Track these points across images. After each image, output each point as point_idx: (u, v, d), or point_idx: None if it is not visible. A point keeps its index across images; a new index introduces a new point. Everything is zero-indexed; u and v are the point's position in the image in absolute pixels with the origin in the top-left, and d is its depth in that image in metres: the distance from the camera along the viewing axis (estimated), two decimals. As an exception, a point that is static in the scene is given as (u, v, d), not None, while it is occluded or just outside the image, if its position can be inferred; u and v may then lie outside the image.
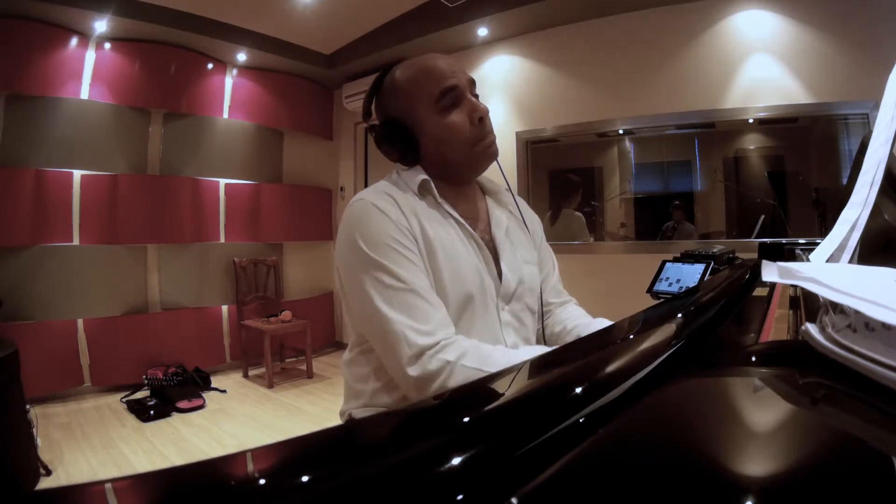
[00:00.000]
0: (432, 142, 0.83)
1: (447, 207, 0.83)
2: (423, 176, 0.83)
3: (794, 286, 0.65)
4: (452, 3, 3.17)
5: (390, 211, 0.76)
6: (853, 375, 0.28)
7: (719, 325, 0.56)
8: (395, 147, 0.85)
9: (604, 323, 0.92)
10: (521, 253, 0.91)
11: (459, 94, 0.82)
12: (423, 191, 0.83)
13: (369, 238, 0.74)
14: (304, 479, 0.21)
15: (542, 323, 0.96)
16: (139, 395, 3.09)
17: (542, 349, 0.82)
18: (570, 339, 0.92)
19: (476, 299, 0.79)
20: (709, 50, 2.75)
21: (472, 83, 0.85)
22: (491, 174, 0.94)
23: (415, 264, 0.74)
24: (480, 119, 0.82)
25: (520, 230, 0.95)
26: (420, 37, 3.43)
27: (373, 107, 0.90)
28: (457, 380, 0.66)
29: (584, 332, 0.91)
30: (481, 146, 0.83)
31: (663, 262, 1.03)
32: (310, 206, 4.36)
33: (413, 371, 0.68)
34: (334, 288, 4.59)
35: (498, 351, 0.71)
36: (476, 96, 0.85)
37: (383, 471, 0.22)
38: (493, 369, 0.64)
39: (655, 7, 2.87)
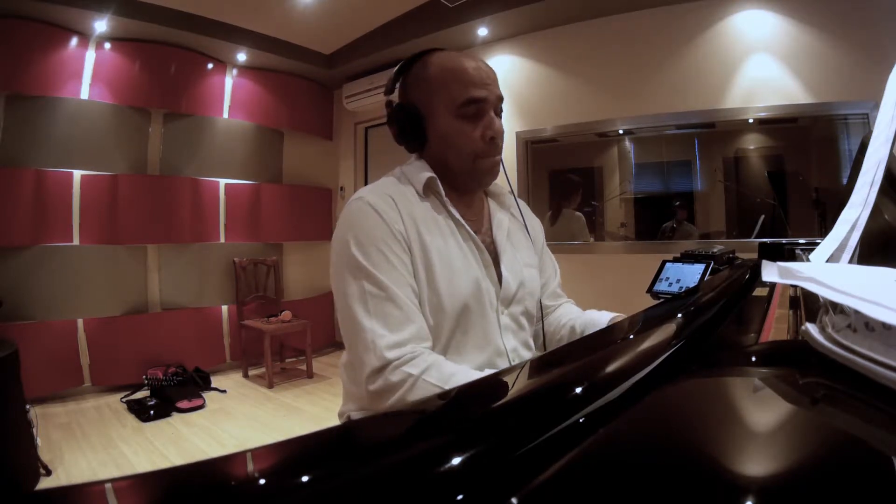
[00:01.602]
0: (439, 140, 0.82)
1: (450, 208, 0.83)
2: (430, 173, 0.82)
3: (794, 286, 0.65)
4: (452, 3, 3.17)
5: (387, 214, 0.76)
6: (853, 375, 0.28)
7: (719, 325, 0.56)
8: (402, 131, 0.84)
9: (594, 314, 0.93)
10: (522, 256, 0.90)
11: (483, 109, 0.81)
12: (427, 190, 0.83)
13: (360, 241, 0.74)
14: (304, 479, 0.21)
15: (543, 325, 0.96)
16: (139, 395, 3.09)
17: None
18: (564, 332, 0.94)
19: (472, 307, 0.79)
20: (709, 50, 2.75)
21: (500, 100, 0.83)
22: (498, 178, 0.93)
23: (401, 273, 0.74)
24: (492, 138, 0.81)
25: (521, 233, 0.95)
26: (420, 37, 3.43)
27: (397, 85, 0.88)
28: (417, 394, 0.66)
29: (576, 323, 0.93)
30: (483, 163, 0.83)
31: (663, 262, 1.03)
32: (310, 206, 4.36)
33: (372, 385, 0.69)
34: (334, 288, 4.58)
35: (461, 370, 0.70)
36: (500, 112, 0.84)
37: (383, 471, 0.22)
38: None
39: (655, 7, 2.86)
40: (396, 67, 0.87)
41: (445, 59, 0.82)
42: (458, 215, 0.83)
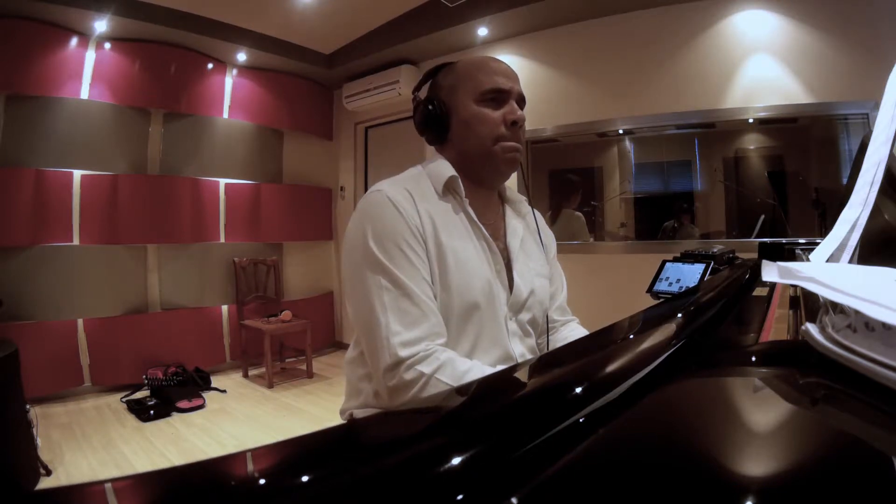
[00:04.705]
0: (462, 126, 0.83)
1: (469, 210, 0.83)
2: (452, 172, 0.82)
3: (794, 286, 0.65)
4: (452, 3, 3.17)
5: (406, 209, 0.76)
6: (853, 375, 0.28)
7: (719, 325, 0.56)
8: (426, 120, 0.86)
9: None
10: (533, 265, 0.91)
11: (504, 98, 0.83)
12: (447, 189, 0.83)
13: (378, 235, 0.74)
14: (304, 479, 0.21)
15: (547, 338, 0.96)
16: (139, 395, 3.09)
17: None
18: None
19: (483, 308, 0.79)
20: (709, 50, 2.75)
21: (522, 99, 0.86)
22: (511, 183, 0.95)
23: (418, 269, 0.74)
24: (514, 122, 0.82)
25: (534, 242, 0.95)
26: (420, 37, 3.43)
27: (426, 86, 0.91)
28: (430, 392, 0.66)
29: None
30: (503, 146, 0.83)
31: (663, 262, 1.03)
32: (310, 206, 4.36)
33: (388, 381, 0.69)
34: (334, 288, 4.59)
35: (474, 367, 0.70)
36: (522, 106, 0.86)
37: (383, 471, 0.22)
38: None
39: (655, 7, 2.86)
40: (428, 71, 0.92)
41: (472, 57, 0.88)
42: (475, 217, 0.83)
